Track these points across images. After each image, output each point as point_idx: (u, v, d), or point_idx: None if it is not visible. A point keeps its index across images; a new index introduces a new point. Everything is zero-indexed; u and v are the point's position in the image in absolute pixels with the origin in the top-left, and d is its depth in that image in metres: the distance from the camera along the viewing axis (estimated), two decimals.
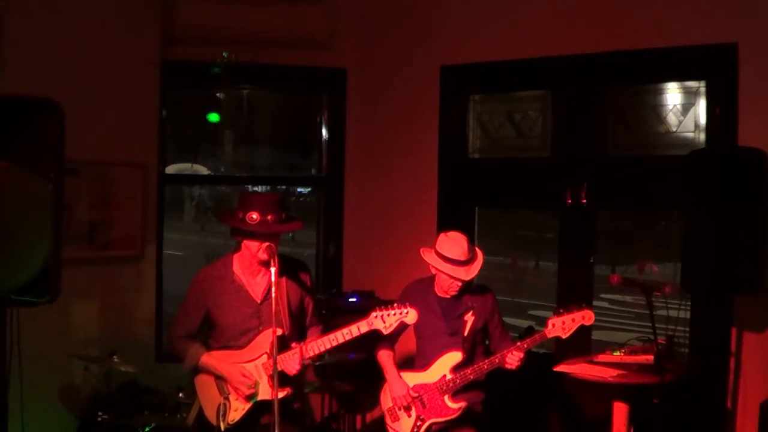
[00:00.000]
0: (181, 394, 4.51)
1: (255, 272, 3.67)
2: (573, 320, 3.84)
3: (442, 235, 4.02)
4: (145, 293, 5.44)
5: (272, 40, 5.57)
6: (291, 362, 3.56)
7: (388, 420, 4.10)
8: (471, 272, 3.91)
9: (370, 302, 5.40)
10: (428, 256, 3.96)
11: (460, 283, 3.92)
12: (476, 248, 4.04)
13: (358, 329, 3.56)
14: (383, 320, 3.54)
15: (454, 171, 5.62)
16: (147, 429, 4.40)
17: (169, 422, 4.48)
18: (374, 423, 5.52)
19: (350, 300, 5.39)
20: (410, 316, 3.57)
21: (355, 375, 5.06)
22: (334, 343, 3.59)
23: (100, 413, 4.51)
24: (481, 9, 5.41)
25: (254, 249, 3.55)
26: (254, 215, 3.50)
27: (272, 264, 3.33)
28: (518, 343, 3.91)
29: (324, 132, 6.07)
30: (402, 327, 3.75)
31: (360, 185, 5.94)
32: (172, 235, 6.29)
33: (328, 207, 5.94)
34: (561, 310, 3.89)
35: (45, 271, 2.86)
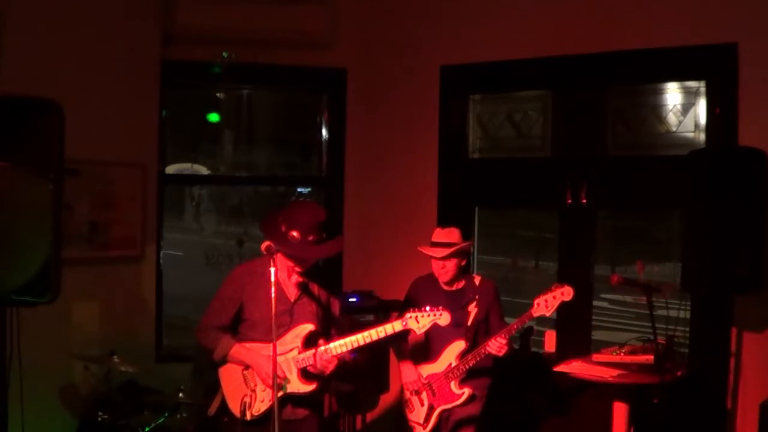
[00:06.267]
0: (181, 394, 4.51)
1: (290, 273, 3.74)
2: (554, 298, 4.01)
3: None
4: (145, 293, 5.44)
5: (272, 40, 5.57)
6: (321, 360, 3.63)
7: (406, 412, 4.34)
8: (443, 251, 4.19)
9: (370, 302, 5.42)
10: (422, 249, 4.29)
11: (450, 269, 4.22)
12: (465, 241, 4.32)
13: (393, 328, 3.66)
14: (417, 321, 3.64)
15: (454, 171, 5.62)
16: (147, 429, 4.40)
17: (169, 422, 4.48)
18: (374, 423, 5.52)
19: (350, 300, 5.38)
20: (443, 318, 3.67)
21: (355, 375, 5.05)
22: (368, 341, 3.66)
23: (100, 413, 4.52)
24: (481, 9, 5.41)
25: (290, 262, 3.66)
26: (295, 234, 3.56)
27: (272, 264, 3.35)
28: (503, 330, 4.07)
29: (324, 132, 6.07)
30: None
31: (360, 185, 5.94)
32: (172, 235, 6.28)
33: (328, 207, 5.92)
34: (545, 289, 4.06)
35: (45, 271, 2.87)
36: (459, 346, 4.19)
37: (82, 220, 5.02)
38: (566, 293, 3.99)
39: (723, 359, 4.51)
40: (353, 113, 5.97)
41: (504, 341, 4.05)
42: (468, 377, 4.20)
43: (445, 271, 4.24)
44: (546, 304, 4.01)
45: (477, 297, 4.23)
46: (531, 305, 4.04)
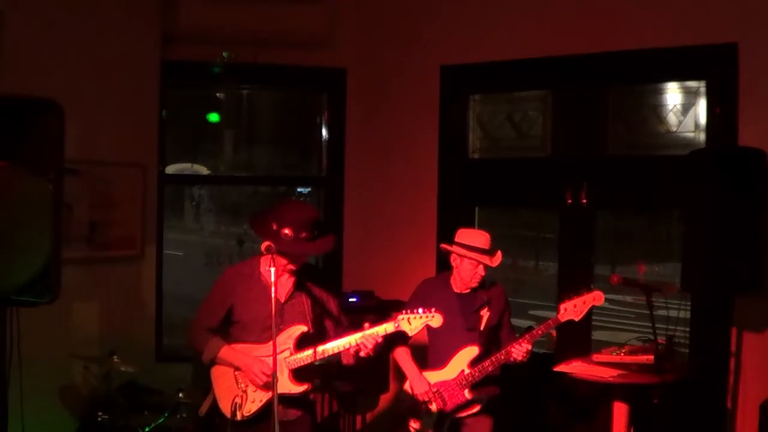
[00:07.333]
0: (181, 394, 4.51)
1: (280, 274, 3.71)
2: (584, 302, 3.94)
3: (462, 228, 4.21)
4: (145, 293, 5.44)
5: (272, 40, 5.57)
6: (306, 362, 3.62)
7: (411, 421, 4.16)
8: (496, 260, 4.08)
9: (370, 302, 5.42)
10: (452, 248, 4.10)
11: (483, 273, 4.08)
12: None
13: (385, 330, 3.61)
14: (409, 323, 3.59)
15: (454, 171, 5.62)
16: (147, 429, 4.40)
17: (169, 422, 4.48)
18: (374, 423, 5.52)
19: (350, 300, 5.38)
20: (436, 319, 3.61)
21: (355, 375, 5.06)
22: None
23: (100, 413, 4.52)
24: (481, 9, 5.41)
25: (282, 261, 3.63)
26: (287, 231, 3.54)
27: (271, 264, 3.35)
28: (526, 335, 3.98)
29: (324, 132, 6.07)
30: None
31: (360, 185, 5.94)
32: (172, 235, 6.28)
33: (328, 207, 5.94)
34: (571, 295, 3.98)
35: (45, 271, 2.87)
36: (472, 351, 4.04)
37: (82, 220, 5.02)
38: (597, 298, 3.94)
39: (723, 359, 4.51)
40: (353, 113, 5.97)
41: (529, 347, 3.96)
42: (480, 383, 4.07)
43: (480, 275, 4.09)
44: (575, 310, 3.93)
45: (490, 301, 4.12)
46: (557, 310, 3.97)
